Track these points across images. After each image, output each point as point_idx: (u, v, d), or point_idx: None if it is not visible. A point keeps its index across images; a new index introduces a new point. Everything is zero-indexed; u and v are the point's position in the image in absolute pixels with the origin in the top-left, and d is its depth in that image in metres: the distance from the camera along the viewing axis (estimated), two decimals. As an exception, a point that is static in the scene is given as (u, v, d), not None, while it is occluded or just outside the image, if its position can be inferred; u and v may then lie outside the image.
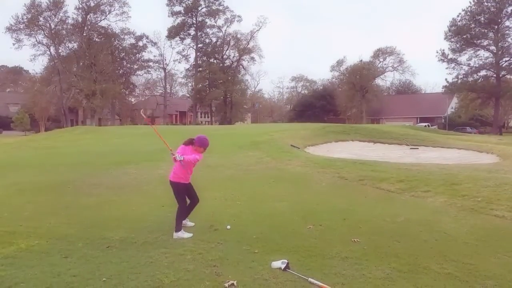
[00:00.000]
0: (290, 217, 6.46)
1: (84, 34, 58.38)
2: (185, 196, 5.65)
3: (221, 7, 67.07)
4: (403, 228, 5.80)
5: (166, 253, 4.68)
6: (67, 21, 57.15)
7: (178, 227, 5.42)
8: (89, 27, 59.64)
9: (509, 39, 50.73)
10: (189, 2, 66.60)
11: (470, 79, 53.58)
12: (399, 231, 5.66)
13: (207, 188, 8.35)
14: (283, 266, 4.18)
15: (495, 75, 52.49)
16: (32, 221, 6.21)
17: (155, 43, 67.83)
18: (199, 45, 69.35)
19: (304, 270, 4.18)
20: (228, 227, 5.76)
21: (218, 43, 70.21)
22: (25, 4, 52.70)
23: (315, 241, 5.21)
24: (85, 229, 5.70)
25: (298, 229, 5.77)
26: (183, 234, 5.35)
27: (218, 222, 6.02)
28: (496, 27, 50.83)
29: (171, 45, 72.13)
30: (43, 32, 54.66)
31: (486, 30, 52.10)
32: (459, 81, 53.43)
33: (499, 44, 50.78)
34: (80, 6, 57.67)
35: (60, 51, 57.19)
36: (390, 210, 6.90)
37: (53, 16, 55.10)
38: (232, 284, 3.81)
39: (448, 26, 52.97)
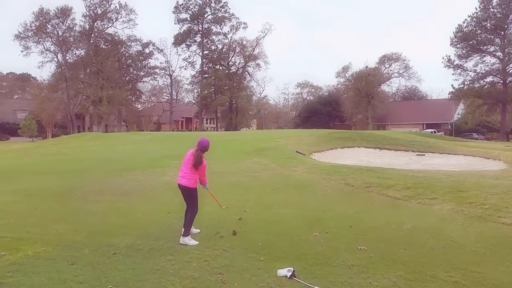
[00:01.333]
0: (296, 224, 6.44)
1: (91, 41, 59.01)
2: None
3: (226, 14, 67.55)
4: (410, 236, 5.76)
5: (172, 260, 4.69)
6: (74, 29, 57.95)
7: (187, 232, 5.46)
8: (96, 34, 60.30)
9: (515, 45, 50.42)
10: (195, 9, 67.17)
11: (477, 85, 53.16)
12: (405, 238, 5.62)
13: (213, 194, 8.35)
14: (289, 274, 4.17)
15: (501, 81, 52.09)
16: (38, 227, 6.25)
17: (161, 50, 68.34)
18: (205, 52, 69.72)
19: (310, 278, 4.16)
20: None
21: (224, 49, 70.59)
22: (33, 12, 53.51)
23: (321, 248, 5.19)
24: (92, 236, 5.73)
25: (304, 236, 5.75)
26: (190, 241, 5.37)
27: (223, 229, 6.02)
28: (502, 33, 50.47)
29: (177, 52, 72.36)
30: (50, 40, 55.33)
31: (492, 36, 51.76)
32: (466, 87, 53.05)
33: (506, 50, 50.36)
34: (88, 13, 58.48)
35: (67, 58, 57.87)
36: (397, 217, 6.85)
37: (60, 23, 55.83)
38: (238, 292, 3.81)
39: (454, 32, 52.75)
